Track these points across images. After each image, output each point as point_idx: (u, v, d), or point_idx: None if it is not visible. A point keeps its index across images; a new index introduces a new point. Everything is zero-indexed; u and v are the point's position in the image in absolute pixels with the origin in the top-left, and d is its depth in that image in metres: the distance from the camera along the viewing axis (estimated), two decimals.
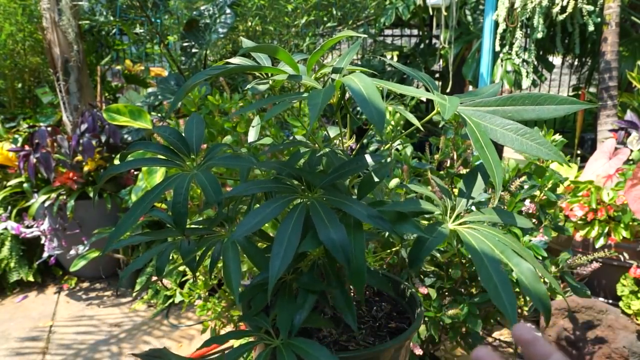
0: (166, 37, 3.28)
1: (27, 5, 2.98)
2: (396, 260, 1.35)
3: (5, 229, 2.27)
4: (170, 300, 2.09)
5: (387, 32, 4.77)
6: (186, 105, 1.89)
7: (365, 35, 1.24)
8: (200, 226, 0.88)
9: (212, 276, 1.40)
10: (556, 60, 3.66)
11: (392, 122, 1.81)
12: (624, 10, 2.89)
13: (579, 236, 1.98)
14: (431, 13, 3.11)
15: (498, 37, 2.70)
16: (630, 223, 1.87)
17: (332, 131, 0.99)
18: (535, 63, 2.84)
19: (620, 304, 1.90)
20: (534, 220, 1.48)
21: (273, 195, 0.81)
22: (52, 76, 2.54)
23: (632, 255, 1.90)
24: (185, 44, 2.76)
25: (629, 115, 2.23)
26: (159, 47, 3.54)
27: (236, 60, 0.82)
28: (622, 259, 1.91)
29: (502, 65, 2.76)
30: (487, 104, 0.76)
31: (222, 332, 1.54)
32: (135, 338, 1.92)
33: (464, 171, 1.56)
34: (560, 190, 1.90)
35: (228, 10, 2.66)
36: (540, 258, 1.37)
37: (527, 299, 1.48)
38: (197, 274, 1.49)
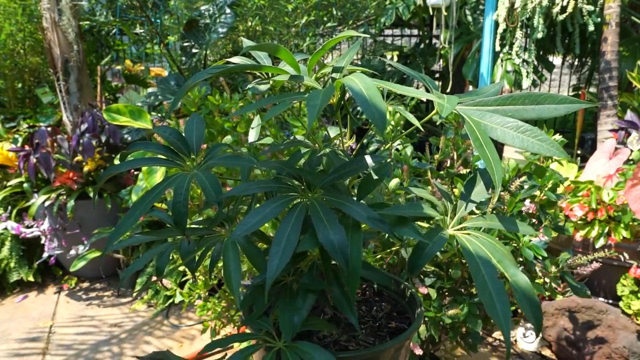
0: (166, 37, 3.28)
1: (27, 5, 2.98)
2: (396, 260, 1.35)
3: (5, 229, 2.27)
4: (170, 300, 2.09)
5: (387, 32, 4.77)
6: (186, 105, 1.89)
7: (366, 35, 1.24)
8: (200, 226, 0.88)
9: (212, 276, 1.40)
10: (556, 60, 3.66)
11: (392, 122, 1.81)
12: (624, 10, 2.89)
13: (579, 236, 1.98)
14: (431, 13, 3.11)
15: (498, 37, 2.70)
16: (630, 223, 1.87)
17: (332, 131, 0.99)
18: (535, 63, 2.84)
19: (620, 304, 1.90)
20: (534, 220, 1.48)
21: (273, 195, 0.81)
22: (52, 76, 2.54)
23: (632, 255, 1.90)
24: (185, 44, 2.76)
25: (629, 115, 2.23)
26: (159, 47, 3.54)
27: (236, 59, 0.82)
28: (622, 259, 1.91)
29: (502, 65, 2.76)
30: (487, 104, 0.75)
31: (222, 332, 1.54)
32: (136, 338, 1.92)
33: (464, 171, 1.56)
34: (560, 190, 1.90)
35: (228, 10, 2.66)
36: (540, 258, 1.37)
37: None
38: (197, 274, 1.49)
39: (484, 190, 0.81)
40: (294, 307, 0.76)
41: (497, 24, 2.66)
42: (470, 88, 3.28)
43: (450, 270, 1.30)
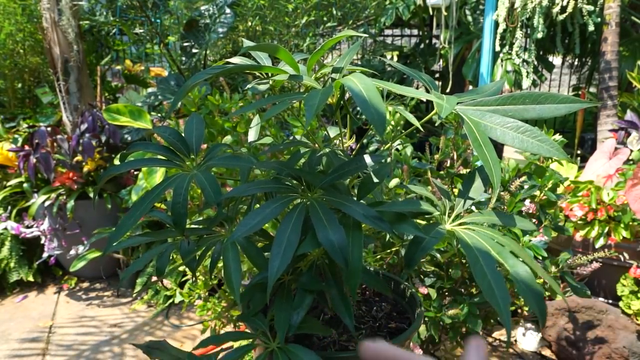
0: (166, 37, 3.28)
1: (27, 5, 2.98)
2: (396, 260, 1.35)
3: (5, 229, 2.27)
4: (170, 300, 2.09)
5: (387, 32, 4.77)
6: (186, 105, 1.89)
7: (366, 35, 1.24)
8: (200, 226, 0.88)
9: (212, 276, 1.40)
10: (556, 60, 3.65)
11: (392, 122, 1.81)
12: (624, 10, 2.89)
13: (579, 236, 1.98)
14: (431, 13, 3.11)
15: (498, 37, 2.70)
16: (630, 223, 1.87)
17: (332, 131, 0.99)
18: (535, 63, 2.84)
19: (620, 304, 1.90)
20: (534, 220, 1.48)
21: (273, 195, 0.81)
22: (52, 76, 2.54)
23: (632, 255, 1.90)
24: (185, 44, 2.76)
25: (629, 115, 2.23)
26: (159, 47, 3.54)
27: (236, 59, 0.82)
28: (622, 259, 1.91)
29: (502, 65, 2.76)
30: (487, 104, 0.75)
31: (222, 332, 1.54)
32: (137, 338, 1.92)
33: (464, 171, 1.56)
34: (560, 190, 1.90)
35: (228, 10, 2.66)
36: (540, 258, 1.37)
37: None
38: (197, 274, 1.49)
39: (482, 187, 0.81)
40: (291, 307, 0.76)
41: (497, 24, 2.66)
42: (470, 88, 3.28)
43: (450, 270, 1.31)
